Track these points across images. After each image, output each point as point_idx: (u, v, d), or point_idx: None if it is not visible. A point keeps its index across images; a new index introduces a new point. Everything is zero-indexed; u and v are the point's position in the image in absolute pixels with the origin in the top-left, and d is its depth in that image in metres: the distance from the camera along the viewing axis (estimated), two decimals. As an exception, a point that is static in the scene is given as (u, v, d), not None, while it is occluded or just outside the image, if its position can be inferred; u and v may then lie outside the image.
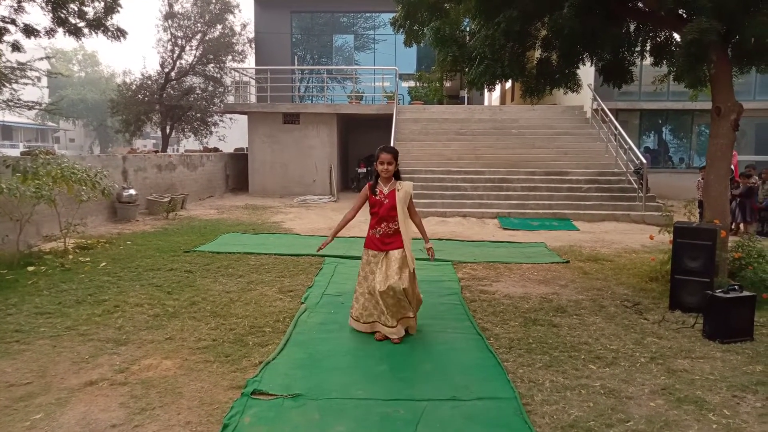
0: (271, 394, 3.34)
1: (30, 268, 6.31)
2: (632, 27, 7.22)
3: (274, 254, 7.53)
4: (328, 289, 5.87)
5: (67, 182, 7.19)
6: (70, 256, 6.97)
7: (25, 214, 6.90)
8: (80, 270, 6.38)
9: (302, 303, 5.31)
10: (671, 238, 5.43)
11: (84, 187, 7.54)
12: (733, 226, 9.92)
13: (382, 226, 4.32)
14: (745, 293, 4.52)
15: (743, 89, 15.23)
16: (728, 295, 4.43)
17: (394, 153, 4.34)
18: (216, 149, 19.29)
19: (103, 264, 6.71)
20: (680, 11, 6.23)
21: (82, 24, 11.18)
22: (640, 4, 6.89)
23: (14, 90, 11.28)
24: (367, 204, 4.42)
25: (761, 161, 16.78)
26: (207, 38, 21.98)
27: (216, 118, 23.26)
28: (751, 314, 4.47)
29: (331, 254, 7.52)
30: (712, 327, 4.43)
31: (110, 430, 2.93)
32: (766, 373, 3.78)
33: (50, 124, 44.57)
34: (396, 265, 4.23)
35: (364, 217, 4.55)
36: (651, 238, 6.70)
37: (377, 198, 4.32)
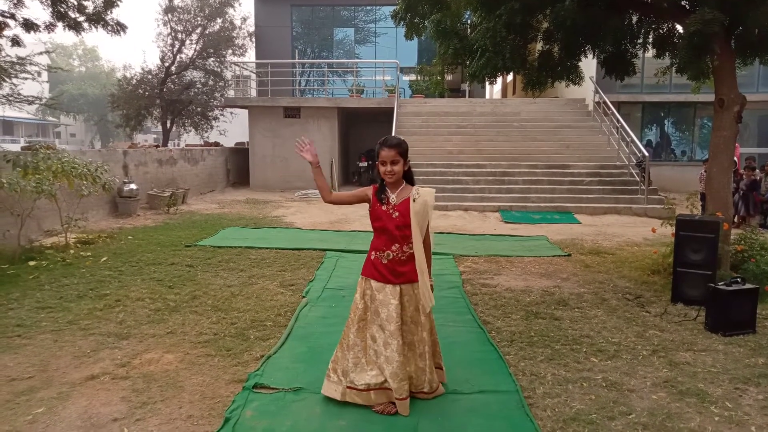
0: (273, 388, 3.34)
1: (31, 263, 6.31)
2: (635, 18, 7.17)
3: (276, 248, 7.53)
4: (330, 282, 5.87)
5: (67, 177, 7.17)
6: (71, 251, 6.97)
7: (25, 209, 6.89)
8: (81, 264, 6.38)
9: (303, 297, 5.31)
10: (673, 231, 5.41)
11: (85, 182, 7.53)
12: (735, 219, 9.88)
13: (393, 248, 3.05)
14: (748, 286, 4.50)
15: (746, 81, 15.14)
16: (731, 288, 4.41)
17: (400, 148, 3.05)
18: (217, 144, 19.27)
19: (105, 258, 6.71)
20: (683, 2, 6.19)
21: (81, 18, 11.12)
22: (642, -5, 6.84)
23: (14, 85, 11.25)
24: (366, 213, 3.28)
25: (763, 153, 16.73)
26: (207, 32, 21.91)
27: (216, 112, 23.23)
28: (753, 307, 4.46)
29: (333, 248, 7.53)
30: (714, 320, 4.42)
31: (112, 424, 2.93)
32: (769, 365, 3.77)
33: (51, 119, 44.62)
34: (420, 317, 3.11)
35: (364, 210, 3.42)
36: (653, 230, 6.68)
37: (384, 209, 3.08)
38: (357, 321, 3.13)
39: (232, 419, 2.95)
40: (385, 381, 3.04)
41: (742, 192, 10.34)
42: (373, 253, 3.13)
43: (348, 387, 3.10)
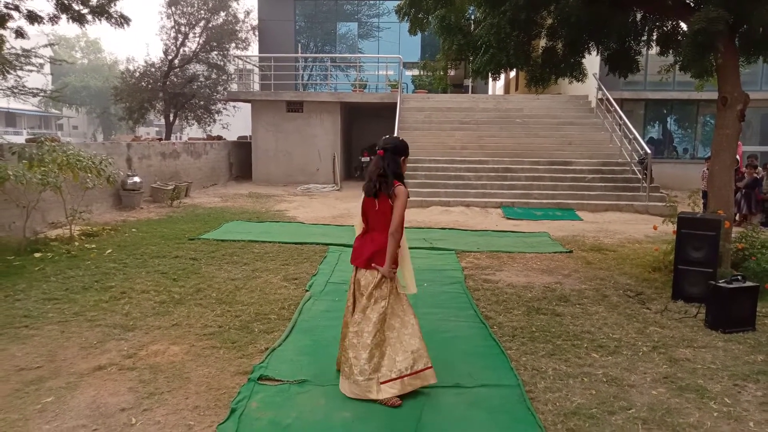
0: (278, 380, 3.39)
1: (37, 255, 6.36)
2: (639, 16, 7.17)
3: (279, 242, 7.57)
4: (333, 277, 5.91)
5: (72, 169, 7.22)
6: (76, 243, 7.02)
7: (31, 201, 6.93)
8: (86, 257, 6.43)
9: (307, 291, 5.35)
10: (675, 229, 5.44)
11: (89, 175, 7.57)
12: (737, 217, 9.90)
13: None
14: (748, 284, 4.54)
15: (749, 79, 15.09)
16: (731, 286, 4.45)
17: None
18: (219, 137, 19.29)
19: (109, 251, 6.75)
20: (687, 0, 6.19)
21: (85, 10, 11.12)
22: (647, -7, 6.83)
23: (19, 77, 11.27)
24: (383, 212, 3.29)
25: (766, 152, 16.72)
26: (210, 25, 21.89)
27: (219, 105, 23.23)
28: (753, 304, 4.50)
29: (335, 243, 7.56)
30: (714, 317, 4.46)
31: (120, 414, 2.98)
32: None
33: (53, 111, 44.63)
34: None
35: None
36: (654, 228, 6.71)
37: None
38: (385, 318, 3.21)
39: (238, 410, 3.00)
40: (415, 363, 3.14)
41: (743, 190, 10.35)
42: (400, 248, 3.22)
43: (382, 383, 3.12)
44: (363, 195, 3.32)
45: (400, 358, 3.14)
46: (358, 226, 3.44)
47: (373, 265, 3.22)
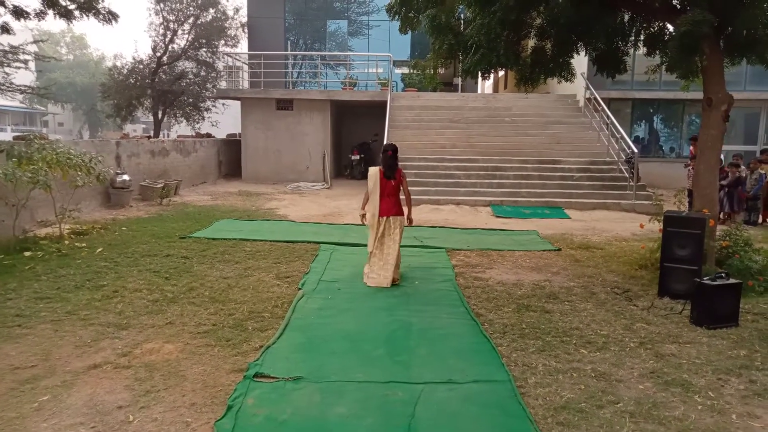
0: (273, 377, 3.43)
1: (27, 254, 6.33)
2: (626, 17, 7.28)
3: (270, 241, 7.58)
4: (325, 275, 5.95)
5: (62, 167, 7.17)
6: (66, 242, 6.99)
7: (21, 200, 6.89)
8: (77, 255, 6.41)
9: (299, 289, 5.39)
10: (661, 227, 5.55)
11: (79, 173, 7.53)
12: (721, 216, 10.08)
13: None
14: (732, 281, 4.66)
15: (734, 80, 15.31)
16: (715, 283, 4.56)
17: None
18: (209, 135, 19.18)
19: (100, 249, 6.73)
20: (674, 2, 6.30)
21: (72, 6, 11.03)
22: (634, -5, 6.94)
23: (6, 74, 11.13)
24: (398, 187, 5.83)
25: (749, 151, 17.00)
26: (199, 22, 21.72)
27: (208, 103, 23.08)
28: (736, 301, 4.61)
29: (326, 241, 7.60)
30: (699, 313, 4.57)
31: (117, 412, 3.00)
32: (750, 357, 3.93)
33: (39, 107, 44.04)
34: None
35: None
36: (641, 226, 6.83)
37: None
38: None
39: (234, 407, 3.04)
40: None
41: (726, 189, 10.53)
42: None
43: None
44: (373, 182, 5.65)
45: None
46: (372, 207, 5.70)
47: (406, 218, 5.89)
